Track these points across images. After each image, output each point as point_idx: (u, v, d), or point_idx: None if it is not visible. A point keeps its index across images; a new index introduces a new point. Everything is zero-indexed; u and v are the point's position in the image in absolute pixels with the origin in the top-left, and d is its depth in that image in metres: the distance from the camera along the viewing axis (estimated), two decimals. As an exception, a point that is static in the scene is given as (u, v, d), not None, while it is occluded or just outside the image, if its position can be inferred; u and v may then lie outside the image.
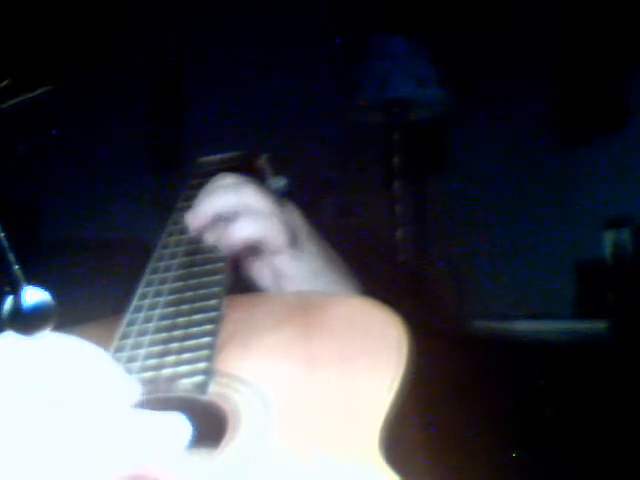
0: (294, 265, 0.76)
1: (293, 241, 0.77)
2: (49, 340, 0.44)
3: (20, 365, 0.44)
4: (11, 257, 0.43)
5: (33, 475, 0.41)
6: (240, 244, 0.76)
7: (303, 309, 0.69)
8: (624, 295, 2.00)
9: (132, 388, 0.46)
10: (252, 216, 0.76)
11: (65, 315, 0.47)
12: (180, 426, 0.46)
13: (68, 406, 0.43)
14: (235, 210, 0.76)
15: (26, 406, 0.43)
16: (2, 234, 0.43)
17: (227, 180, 0.79)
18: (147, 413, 0.45)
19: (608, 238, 2.07)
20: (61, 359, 0.45)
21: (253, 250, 0.77)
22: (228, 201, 0.77)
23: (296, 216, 0.79)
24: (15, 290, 0.42)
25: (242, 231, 0.75)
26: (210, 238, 0.77)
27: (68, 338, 0.46)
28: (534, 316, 2.15)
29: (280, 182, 0.89)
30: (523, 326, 2.05)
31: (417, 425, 0.63)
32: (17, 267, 0.43)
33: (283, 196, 0.84)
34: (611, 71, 2.28)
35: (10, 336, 0.43)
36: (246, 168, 0.87)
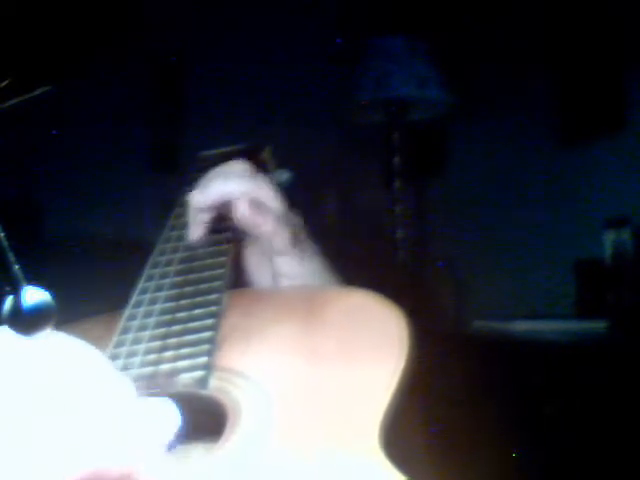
0: (295, 266, 0.76)
1: (296, 242, 0.76)
2: (41, 338, 0.44)
3: (6, 361, 0.44)
4: (11, 257, 0.43)
5: (22, 469, 0.41)
6: (248, 222, 0.75)
7: (304, 303, 0.69)
8: (624, 295, 2.00)
9: (124, 386, 0.46)
10: (267, 211, 0.75)
11: (65, 313, 0.47)
12: (169, 414, 0.46)
13: (55, 402, 0.43)
14: (244, 197, 0.75)
15: (12, 401, 0.43)
16: (2, 234, 0.43)
17: (242, 167, 0.78)
18: (137, 403, 0.46)
19: (608, 238, 2.07)
20: (52, 355, 0.45)
21: (253, 242, 0.77)
22: (242, 187, 0.75)
23: (296, 215, 0.79)
24: (15, 290, 0.42)
25: (251, 215, 0.75)
26: (211, 227, 0.77)
27: (61, 336, 0.46)
28: (534, 316, 2.15)
29: (283, 175, 0.88)
30: (523, 326, 2.05)
31: (417, 420, 0.63)
32: (17, 267, 0.43)
33: (286, 189, 0.84)
34: (611, 71, 2.28)
35: (3, 331, 0.43)
36: (249, 161, 0.87)
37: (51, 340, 0.44)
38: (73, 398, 0.43)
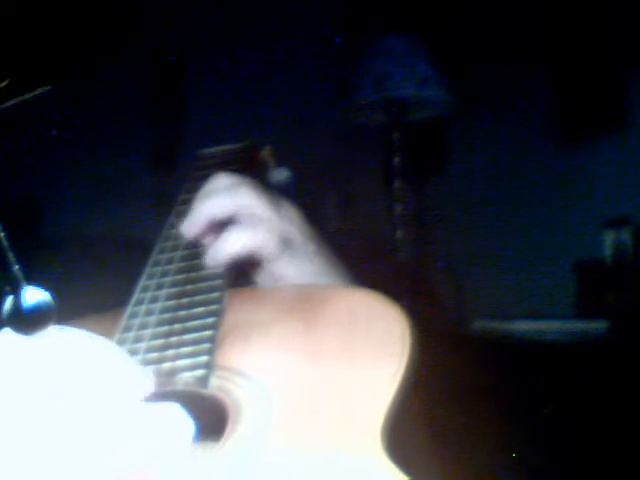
0: (292, 268, 0.76)
1: (289, 244, 0.76)
2: (60, 334, 0.44)
3: (26, 359, 0.44)
4: (11, 257, 0.43)
5: (35, 470, 0.41)
6: (235, 255, 0.75)
7: (305, 302, 0.69)
8: (624, 295, 2.00)
9: (143, 380, 0.46)
10: (245, 224, 0.75)
11: (65, 313, 0.47)
12: (182, 420, 0.46)
13: (74, 401, 0.43)
14: (229, 214, 0.76)
15: (32, 400, 0.43)
16: (2, 234, 0.43)
17: (221, 182, 0.78)
18: (151, 408, 0.46)
19: (608, 238, 2.07)
20: (71, 353, 0.45)
21: (250, 258, 0.77)
22: (222, 206, 0.76)
23: (294, 215, 0.79)
24: (15, 290, 0.42)
25: (236, 243, 0.75)
26: (208, 243, 0.77)
27: (79, 332, 0.46)
28: (534, 316, 2.15)
29: (282, 174, 0.88)
30: (523, 326, 2.05)
31: (419, 420, 0.63)
32: (17, 267, 0.43)
33: (286, 188, 0.83)
34: (611, 71, 2.28)
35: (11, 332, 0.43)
36: (249, 160, 0.87)
37: (69, 337, 0.44)
38: (93, 403, 0.43)
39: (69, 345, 0.45)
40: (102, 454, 0.43)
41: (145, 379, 0.47)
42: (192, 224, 0.77)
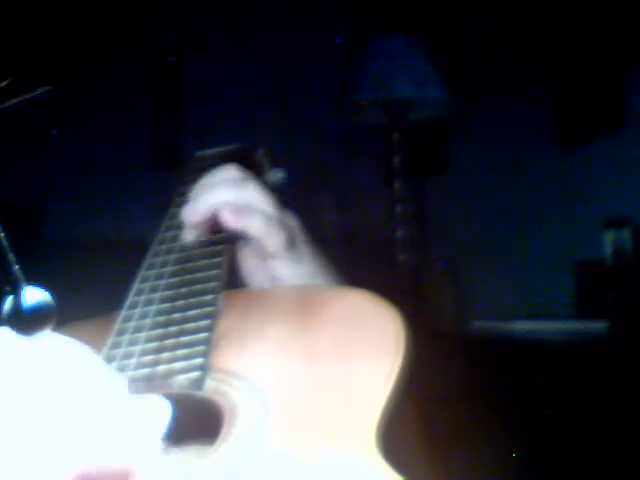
0: (290, 269, 0.75)
1: (291, 245, 0.76)
2: (38, 339, 0.44)
3: (3, 361, 0.44)
4: (11, 257, 0.43)
5: (20, 467, 0.41)
6: (236, 230, 0.75)
7: (300, 303, 0.69)
8: (624, 295, 2.00)
9: (118, 385, 0.46)
10: (254, 213, 0.75)
11: (65, 314, 0.47)
12: (160, 410, 0.46)
13: (51, 402, 0.43)
14: (236, 206, 0.75)
15: (8, 401, 0.43)
16: (2, 234, 0.43)
17: (230, 173, 0.77)
18: (130, 401, 0.46)
19: (608, 238, 2.07)
20: (47, 356, 0.45)
21: (247, 245, 0.76)
22: (230, 196, 0.75)
23: (292, 218, 0.78)
24: (15, 290, 0.42)
25: (243, 221, 0.74)
26: (207, 233, 0.77)
27: (55, 336, 0.46)
28: (534, 316, 2.15)
29: (277, 175, 0.89)
30: (523, 326, 2.05)
31: (415, 421, 0.63)
32: (17, 267, 0.43)
33: (280, 189, 0.84)
34: (611, 71, 2.28)
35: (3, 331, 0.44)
36: (244, 161, 0.87)
37: (46, 340, 0.44)
38: (69, 398, 0.43)
39: (52, 348, 0.45)
40: (87, 448, 0.43)
41: (120, 383, 0.47)
42: (196, 211, 0.76)
